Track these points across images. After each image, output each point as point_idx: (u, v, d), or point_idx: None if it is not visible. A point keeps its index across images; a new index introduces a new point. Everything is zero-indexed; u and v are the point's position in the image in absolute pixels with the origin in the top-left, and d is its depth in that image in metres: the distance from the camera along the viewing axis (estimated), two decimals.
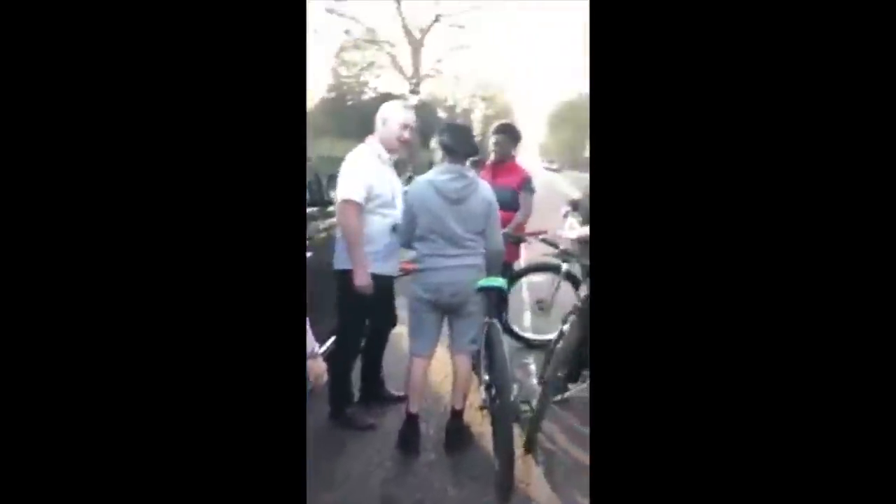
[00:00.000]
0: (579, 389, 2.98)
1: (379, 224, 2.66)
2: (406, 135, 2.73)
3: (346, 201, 2.56)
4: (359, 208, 2.57)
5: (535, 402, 2.68)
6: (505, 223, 2.95)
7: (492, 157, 3.65)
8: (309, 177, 3.22)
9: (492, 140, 3.62)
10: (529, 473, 2.51)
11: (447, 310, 2.57)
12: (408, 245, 2.60)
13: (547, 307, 3.90)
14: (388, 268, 2.71)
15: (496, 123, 3.79)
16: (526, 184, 3.53)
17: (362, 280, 2.56)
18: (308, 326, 1.69)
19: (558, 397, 2.92)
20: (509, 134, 3.61)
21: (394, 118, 2.71)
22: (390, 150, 2.75)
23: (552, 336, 3.15)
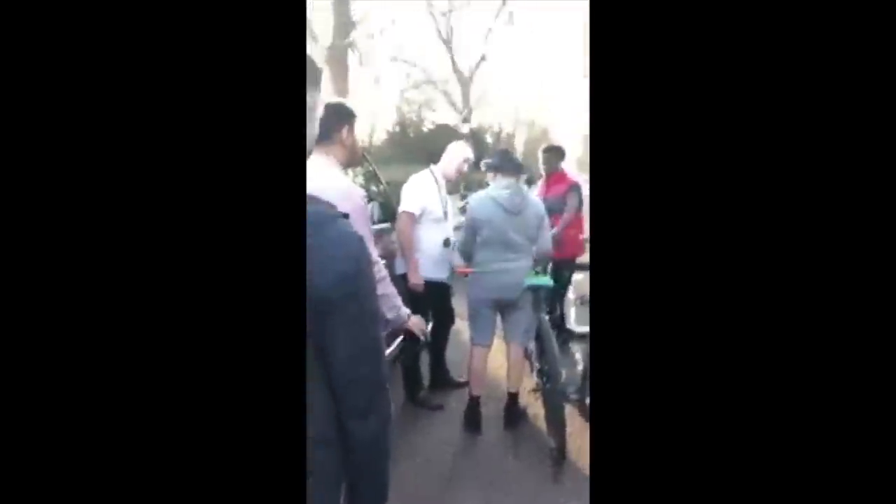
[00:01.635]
0: None
1: (431, 237, 2.76)
2: (465, 168, 2.95)
3: (404, 211, 2.71)
4: (413, 218, 2.70)
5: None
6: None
7: (542, 173, 3.73)
8: (381, 199, 3.31)
9: (540, 158, 3.71)
10: (581, 448, 2.44)
11: (503, 306, 2.55)
12: (468, 256, 2.59)
13: (588, 302, 3.91)
14: (439, 274, 2.80)
15: (544, 145, 3.85)
16: (572, 188, 3.54)
17: (416, 279, 2.67)
18: (400, 301, 1.80)
19: None
20: (554, 152, 3.69)
21: (458, 154, 2.90)
22: (447, 179, 2.92)
23: None
